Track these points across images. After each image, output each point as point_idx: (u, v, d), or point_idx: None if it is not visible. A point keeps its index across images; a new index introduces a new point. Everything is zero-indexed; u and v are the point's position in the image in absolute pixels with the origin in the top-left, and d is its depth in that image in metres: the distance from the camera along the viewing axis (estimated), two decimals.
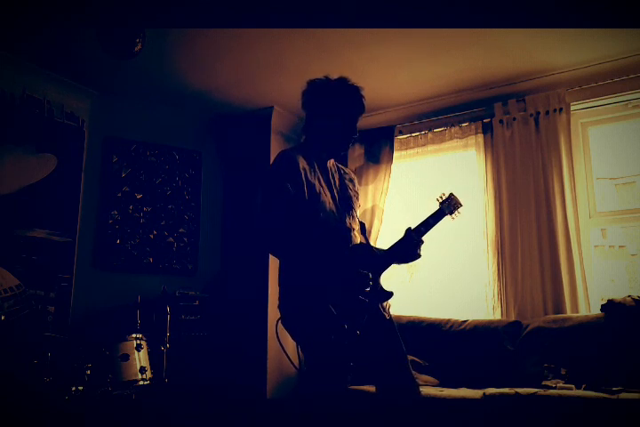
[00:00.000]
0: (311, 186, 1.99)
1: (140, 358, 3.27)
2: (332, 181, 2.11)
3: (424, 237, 2.06)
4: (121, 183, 4.24)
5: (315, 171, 2.05)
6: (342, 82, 2.08)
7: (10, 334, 3.12)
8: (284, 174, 1.97)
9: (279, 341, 1.96)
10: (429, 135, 4.22)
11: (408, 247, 2.03)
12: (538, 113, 3.76)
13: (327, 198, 2.03)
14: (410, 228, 2.06)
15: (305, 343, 1.95)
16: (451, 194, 2.18)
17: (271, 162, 2.07)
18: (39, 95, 3.82)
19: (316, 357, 1.92)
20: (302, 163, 2.01)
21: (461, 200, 2.21)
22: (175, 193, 4.46)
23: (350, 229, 2.06)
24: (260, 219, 1.95)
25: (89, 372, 3.06)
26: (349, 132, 2.12)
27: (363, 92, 2.10)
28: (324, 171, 2.11)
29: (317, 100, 2.09)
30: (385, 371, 1.97)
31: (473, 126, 4.05)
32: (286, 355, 1.94)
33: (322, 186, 2.04)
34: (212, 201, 4.65)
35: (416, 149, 4.28)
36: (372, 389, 2.02)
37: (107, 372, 3.12)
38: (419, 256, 2.06)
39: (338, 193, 2.10)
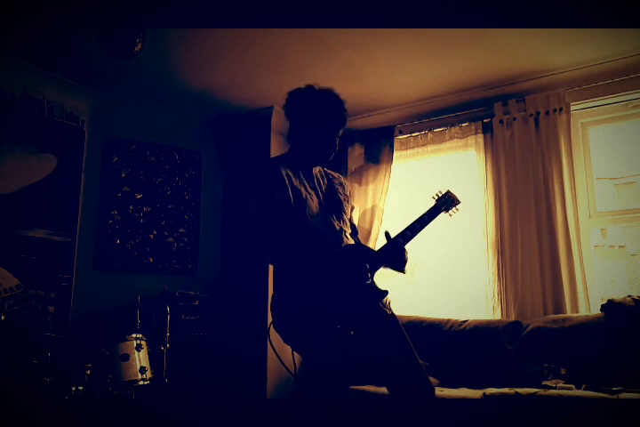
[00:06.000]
0: (297, 191, 2.00)
1: (140, 358, 3.27)
2: (317, 186, 2.11)
3: (419, 236, 2.05)
4: (121, 183, 4.24)
5: (300, 178, 2.06)
6: (324, 94, 2.07)
7: (10, 334, 3.12)
8: (268, 183, 1.97)
9: (272, 345, 1.96)
10: (429, 135, 4.22)
11: (394, 253, 2.01)
12: (538, 113, 3.76)
13: (314, 203, 2.03)
14: (387, 233, 2.03)
15: (297, 346, 1.93)
16: (447, 191, 2.19)
17: (253, 173, 2.08)
18: (39, 95, 3.82)
19: (309, 358, 1.92)
20: (285, 170, 2.02)
21: (459, 197, 2.21)
22: (175, 193, 4.47)
23: (340, 232, 2.05)
24: (253, 230, 1.96)
25: (89, 372, 3.06)
26: (329, 144, 2.09)
27: (345, 106, 2.07)
28: (310, 177, 2.11)
29: (297, 111, 2.08)
30: (394, 369, 1.93)
31: (473, 126, 4.05)
32: (280, 360, 1.94)
33: (308, 192, 2.05)
34: (212, 201, 4.65)
35: (416, 149, 4.28)
36: (371, 389, 2.01)
37: (107, 372, 3.12)
38: (403, 270, 2.03)
39: (325, 197, 2.10)
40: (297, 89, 2.09)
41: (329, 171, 2.25)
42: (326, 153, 2.10)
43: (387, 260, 2.01)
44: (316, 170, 2.17)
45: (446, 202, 2.15)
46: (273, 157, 2.16)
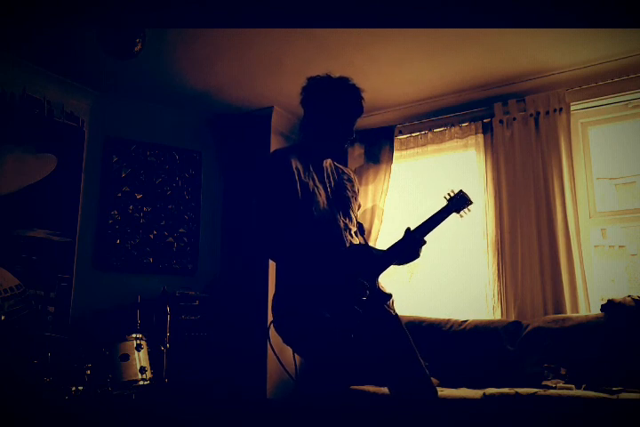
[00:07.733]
0: (304, 185, 1.96)
1: (140, 358, 3.27)
2: (327, 180, 2.08)
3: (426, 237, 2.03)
4: (121, 183, 4.24)
5: (309, 170, 2.02)
6: (344, 81, 2.05)
7: (10, 334, 3.12)
8: (276, 175, 1.94)
9: (272, 347, 1.94)
10: (429, 135, 4.22)
11: (409, 247, 1.99)
12: (538, 113, 3.76)
13: (321, 198, 2.00)
14: (408, 228, 2.02)
15: (297, 347, 1.91)
16: (460, 191, 2.12)
17: (263, 164, 2.04)
18: (39, 95, 3.82)
19: (309, 359, 1.90)
20: (295, 162, 1.98)
21: (471, 198, 2.14)
22: (175, 193, 4.46)
23: (345, 229, 2.02)
24: (256, 223, 1.93)
25: (89, 372, 3.06)
26: (346, 132, 2.06)
27: (363, 94, 2.06)
28: (319, 170, 2.07)
29: (317, 98, 2.05)
30: (397, 369, 1.92)
31: (473, 126, 4.05)
32: (280, 363, 1.92)
33: (316, 185, 2.01)
34: (212, 201, 4.65)
35: (416, 149, 4.28)
36: (371, 389, 2.00)
37: (107, 372, 3.12)
38: (418, 256, 2.02)
39: (333, 193, 2.07)
40: (314, 77, 2.06)
41: (339, 165, 2.21)
42: (342, 142, 2.07)
43: (397, 258, 1.99)
44: (327, 163, 2.12)
45: (458, 202, 2.09)
46: (283, 148, 2.10)
